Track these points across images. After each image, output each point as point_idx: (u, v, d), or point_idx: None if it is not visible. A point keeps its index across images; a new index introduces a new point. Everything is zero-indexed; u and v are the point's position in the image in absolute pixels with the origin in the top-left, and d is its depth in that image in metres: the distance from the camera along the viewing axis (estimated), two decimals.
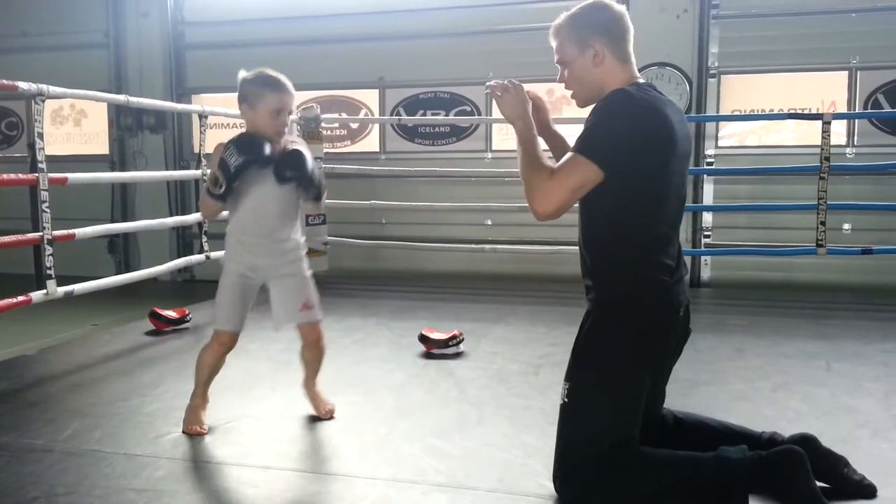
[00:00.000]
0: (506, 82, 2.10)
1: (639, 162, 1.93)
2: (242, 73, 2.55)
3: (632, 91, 1.99)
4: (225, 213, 2.64)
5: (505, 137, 6.37)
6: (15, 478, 2.23)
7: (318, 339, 2.70)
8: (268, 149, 2.44)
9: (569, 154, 1.96)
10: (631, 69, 2.08)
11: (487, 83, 2.15)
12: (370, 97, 6.75)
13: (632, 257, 2.02)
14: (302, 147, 2.54)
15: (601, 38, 2.03)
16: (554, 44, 2.11)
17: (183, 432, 2.60)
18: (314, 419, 2.76)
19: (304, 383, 2.80)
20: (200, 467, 2.33)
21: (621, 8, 2.10)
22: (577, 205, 2.07)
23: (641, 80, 2.08)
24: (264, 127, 2.49)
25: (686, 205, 2.24)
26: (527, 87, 2.14)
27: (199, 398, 2.67)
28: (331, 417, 2.75)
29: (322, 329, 2.71)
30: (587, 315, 2.08)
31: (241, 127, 7.72)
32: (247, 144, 2.43)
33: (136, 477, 2.24)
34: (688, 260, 2.22)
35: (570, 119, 5.57)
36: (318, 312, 2.67)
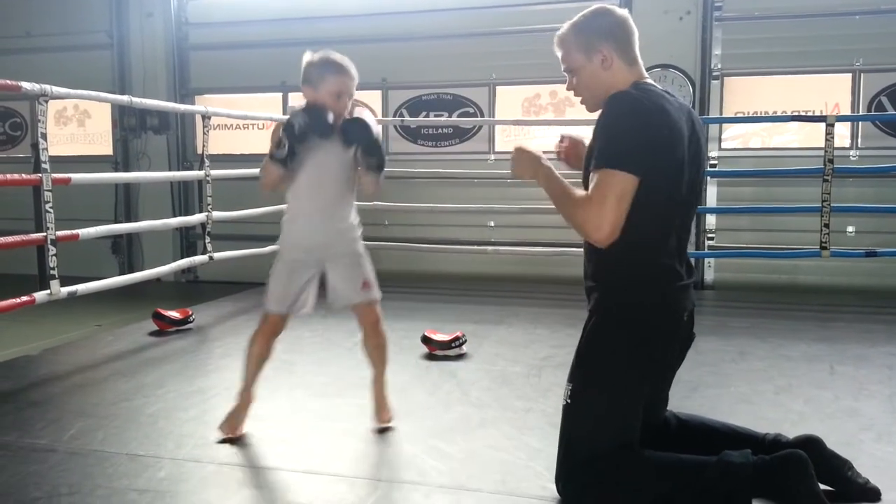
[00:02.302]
0: (512, 153, 2.15)
1: (648, 161, 1.91)
2: (308, 56, 2.55)
3: (630, 91, 1.98)
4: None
5: (508, 139, 6.37)
6: (18, 478, 2.24)
7: (377, 321, 2.65)
8: (331, 118, 2.45)
9: (596, 174, 1.93)
10: (639, 71, 2.08)
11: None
12: (373, 99, 6.75)
13: (636, 259, 2.01)
14: (367, 114, 2.53)
15: (607, 43, 2.03)
16: (559, 53, 2.11)
17: (221, 438, 2.54)
18: (315, 420, 2.75)
19: (372, 382, 2.72)
20: (203, 468, 2.33)
21: (623, 12, 2.10)
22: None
23: (648, 80, 2.07)
24: None
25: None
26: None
27: (245, 393, 2.60)
28: (387, 423, 2.66)
29: (380, 311, 2.66)
30: (590, 316, 2.08)
31: (244, 127, 7.73)
32: (313, 111, 2.44)
33: (138, 477, 2.25)
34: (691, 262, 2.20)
35: (575, 121, 5.59)
36: (377, 291, 2.64)
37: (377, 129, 2.54)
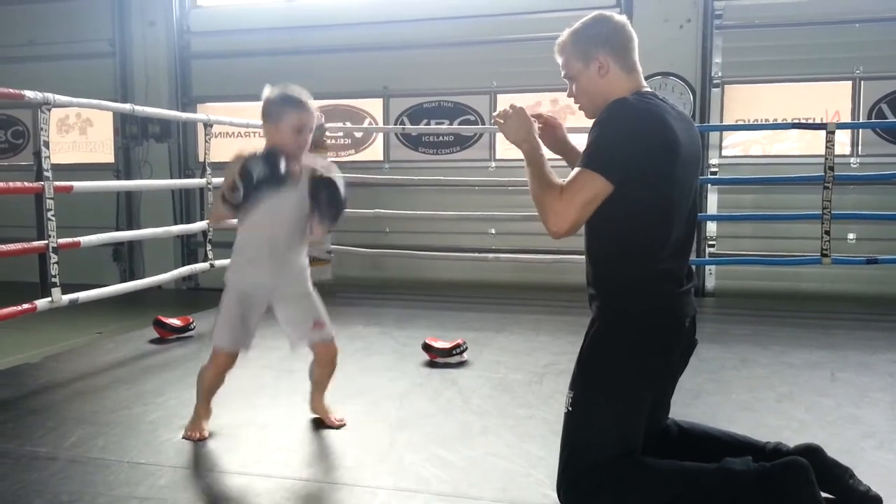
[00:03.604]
0: (507, 108, 2.12)
1: (642, 169, 1.93)
2: (267, 91, 2.55)
3: (631, 100, 2.00)
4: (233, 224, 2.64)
5: (509, 147, 6.35)
6: (19, 485, 2.24)
7: (334, 357, 2.71)
8: (286, 167, 2.43)
9: (576, 169, 1.97)
10: (636, 78, 2.09)
11: (493, 115, 2.16)
12: (374, 106, 6.78)
13: (637, 267, 2.01)
14: (338, 177, 2.56)
15: (604, 50, 2.05)
16: (560, 60, 2.13)
17: (183, 437, 2.62)
18: (316, 428, 2.75)
19: (311, 400, 2.81)
20: (203, 476, 2.33)
21: (622, 18, 2.11)
22: None
23: (647, 89, 2.09)
24: (285, 143, 2.48)
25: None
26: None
27: (202, 409, 2.69)
28: (342, 426, 2.76)
29: (337, 347, 2.71)
30: (592, 323, 2.08)
31: (245, 135, 7.77)
32: (271, 159, 2.42)
33: (139, 485, 2.24)
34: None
35: (575, 128, 5.59)
36: (331, 329, 2.67)
37: (345, 193, 2.55)
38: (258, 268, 2.56)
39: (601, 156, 1.94)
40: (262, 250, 2.55)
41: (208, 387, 2.67)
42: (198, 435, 2.62)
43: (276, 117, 2.49)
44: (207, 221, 2.59)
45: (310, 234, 2.62)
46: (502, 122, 2.12)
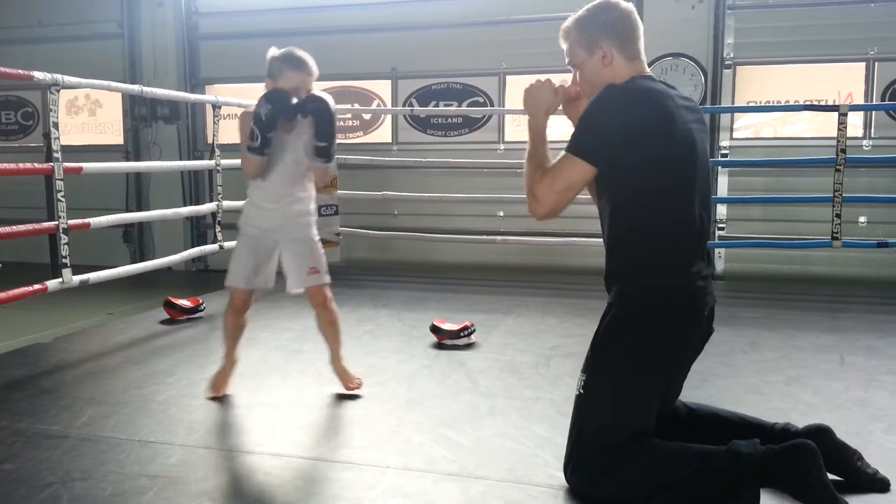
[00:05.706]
0: (541, 79, 2.14)
1: (635, 152, 1.92)
2: (272, 51, 2.70)
3: (621, 85, 1.99)
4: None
5: (518, 128, 6.35)
6: (31, 463, 2.26)
7: (325, 300, 2.82)
8: (293, 99, 2.59)
9: (562, 155, 1.99)
10: (639, 66, 2.07)
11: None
12: (383, 88, 6.75)
13: (650, 252, 1.99)
14: (327, 97, 2.67)
15: (608, 39, 2.04)
16: (564, 46, 2.12)
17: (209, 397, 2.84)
18: (326, 408, 2.77)
19: (330, 360, 2.93)
20: (213, 454, 2.35)
21: (628, 5, 2.08)
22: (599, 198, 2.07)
23: (646, 74, 2.06)
24: None
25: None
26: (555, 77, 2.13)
27: (226, 359, 2.89)
28: (357, 387, 2.90)
29: (328, 291, 2.83)
30: (609, 308, 2.06)
31: None
32: (274, 96, 2.59)
33: (149, 463, 2.27)
34: None
35: None
36: (325, 276, 2.79)
37: (333, 110, 2.65)
38: (263, 213, 2.73)
39: (581, 140, 1.96)
40: (266, 196, 2.72)
41: (227, 329, 2.87)
42: (216, 393, 2.82)
43: (276, 76, 2.65)
44: (245, 175, 2.71)
45: (313, 177, 2.78)
46: (532, 94, 2.13)
